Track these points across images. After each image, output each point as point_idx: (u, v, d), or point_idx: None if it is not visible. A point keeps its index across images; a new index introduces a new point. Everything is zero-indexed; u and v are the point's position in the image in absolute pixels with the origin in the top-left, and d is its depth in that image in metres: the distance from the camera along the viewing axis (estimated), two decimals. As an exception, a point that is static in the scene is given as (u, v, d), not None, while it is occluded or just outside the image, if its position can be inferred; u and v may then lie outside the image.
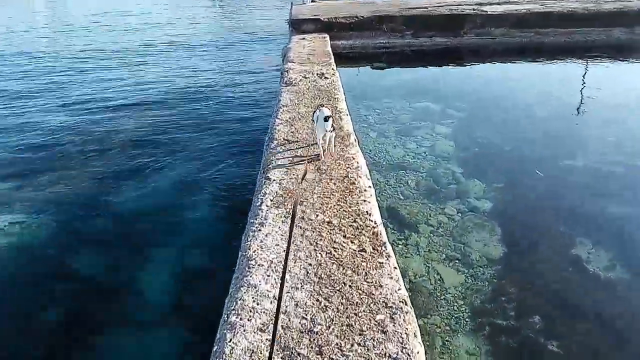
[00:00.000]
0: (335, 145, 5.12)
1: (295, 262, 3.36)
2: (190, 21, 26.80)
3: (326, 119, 4.60)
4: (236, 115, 9.56)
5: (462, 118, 8.42)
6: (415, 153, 7.07)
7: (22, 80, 13.88)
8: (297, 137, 5.70)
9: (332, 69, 9.29)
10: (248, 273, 3.27)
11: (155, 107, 10.24)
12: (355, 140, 5.66)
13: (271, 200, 4.25)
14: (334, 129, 4.76)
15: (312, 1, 18.36)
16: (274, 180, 4.63)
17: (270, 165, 4.96)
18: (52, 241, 5.81)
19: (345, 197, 4.26)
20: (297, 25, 13.58)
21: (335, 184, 4.55)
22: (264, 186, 4.51)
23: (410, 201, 5.77)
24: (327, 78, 8.53)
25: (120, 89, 12.31)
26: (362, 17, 13.75)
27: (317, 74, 8.86)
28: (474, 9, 14.31)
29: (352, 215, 3.96)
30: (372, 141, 7.49)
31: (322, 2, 18.05)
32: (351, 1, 19.41)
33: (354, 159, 5.09)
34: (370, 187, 4.50)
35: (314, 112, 4.87)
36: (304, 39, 12.55)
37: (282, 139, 5.67)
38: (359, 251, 3.50)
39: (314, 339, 2.66)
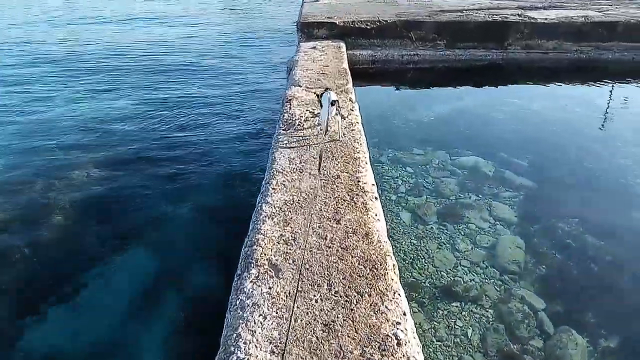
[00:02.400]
0: (343, 129, 5.19)
1: None
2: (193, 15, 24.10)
3: (332, 103, 4.69)
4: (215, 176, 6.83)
5: (528, 189, 5.81)
6: (471, 263, 4.53)
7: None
8: (295, 254, 3.18)
9: (351, 99, 6.74)
10: None
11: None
12: (394, 268, 3.12)
13: None
14: (338, 113, 4.86)
15: (326, -2, 15.65)
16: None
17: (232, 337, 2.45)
18: None
19: None
20: (307, 30, 10.99)
21: None
22: None
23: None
24: (344, 117, 5.96)
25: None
26: (385, 21, 11.12)
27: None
28: (519, 15, 11.61)
29: None
30: (405, 232, 4.95)
31: (337, 0, 15.36)
32: (369, 0, 16.72)
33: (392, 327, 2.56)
34: None
35: (321, 94, 5.12)
36: (314, 48, 9.96)
37: (266, 263, 3.14)
38: None
39: None
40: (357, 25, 10.99)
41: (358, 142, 5.28)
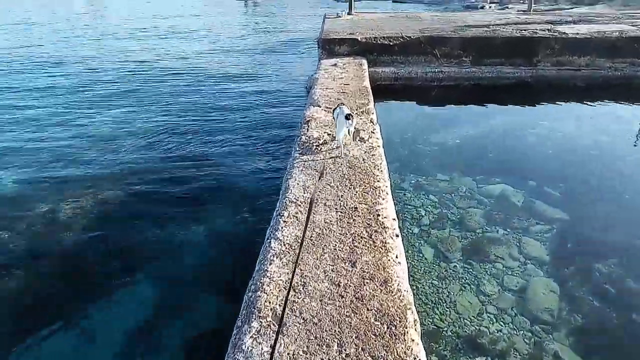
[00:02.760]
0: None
1: None
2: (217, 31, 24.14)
3: (347, 117, 4.74)
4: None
5: (561, 222, 5.27)
6: (498, 309, 4.05)
7: None
8: (303, 305, 2.82)
9: (372, 120, 6.38)
10: None
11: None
12: (415, 325, 2.72)
13: None
14: (357, 130, 5.04)
15: (348, 14, 15.44)
16: None
17: None
18: None
19: None
20: (329, 46, 10.71)
21: None
22: None
23: None
24: (364, 140, 5.61)
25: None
26: (408, 37, 10.76)
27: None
28: (548, 30, 11.11)
29: None
30: (426, 271, 4.51)
31: (360, 15, 15.11)
32: (393, 14, 16.45)
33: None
34: None
35: (334, 109, 5.13)
36: (335, 65, 9.67)
37: (270, 314, 2.79)
38: None
39: None
40: (379, 42, 10.65)
41: (379, 169, 4.89)
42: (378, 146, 5.53)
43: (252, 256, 3.57)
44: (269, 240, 3.65)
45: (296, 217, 3.93)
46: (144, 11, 32.82)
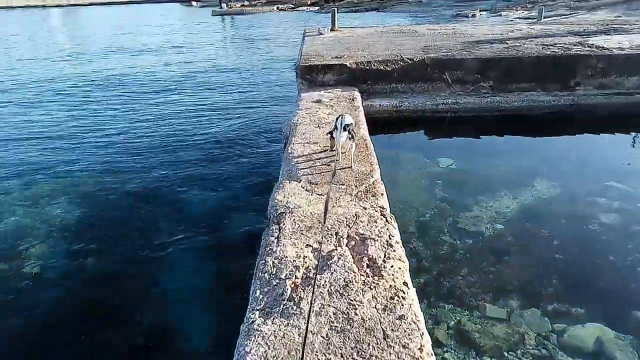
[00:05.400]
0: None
1: None
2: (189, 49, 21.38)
3: (345, 127, 4.16)
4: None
5: None
6: None
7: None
8: None
9: (384, 213, 3.81)
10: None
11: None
12: None
13: None
14: (352, 138, 4.24)
15: (331, 30, 12.90)
16: None
17: None
18: None
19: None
20: (309, 75, 8.14)
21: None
22: None
23: None
24: (378, 272, 3.01)
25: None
26: (409, 60, 8.23)
27: (347, 233, 3.38)
28: (581, 44, 8.68)
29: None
30: None
31: (344, 32, 12.58)
32: (382, 29, 13.95)
33: None
34: None
35: (337, 118, 4.29)
36: (319, 101, 7.11)
37: None
38: None
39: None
40: (374, 67, 8.11)
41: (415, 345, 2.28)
42: (406, 287, 2.91)
43: None
44: None
45: None
46: (117, 26, 29.86)
